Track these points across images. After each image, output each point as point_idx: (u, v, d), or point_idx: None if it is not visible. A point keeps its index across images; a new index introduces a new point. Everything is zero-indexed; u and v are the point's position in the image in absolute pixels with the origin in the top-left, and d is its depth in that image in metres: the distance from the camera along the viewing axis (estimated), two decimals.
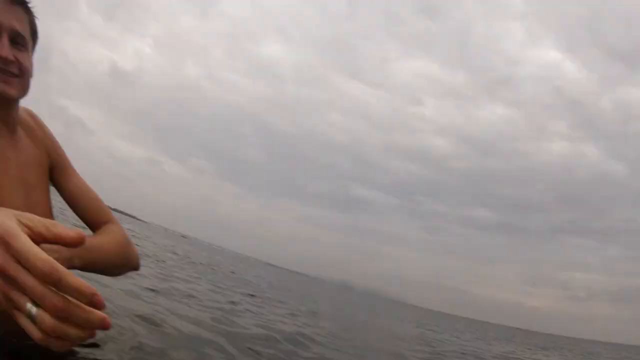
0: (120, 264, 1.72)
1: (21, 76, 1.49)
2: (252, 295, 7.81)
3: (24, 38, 1.50)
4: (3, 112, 1.53)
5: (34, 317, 0.78)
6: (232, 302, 5.91)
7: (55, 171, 1.76)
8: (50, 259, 0.78)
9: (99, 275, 1.88)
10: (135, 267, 1.81)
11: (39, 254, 0.78)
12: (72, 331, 0.77)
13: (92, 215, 1.76)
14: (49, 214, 1.68)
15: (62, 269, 0.77)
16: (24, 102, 1.65)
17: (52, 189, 1.80)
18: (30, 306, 0.78)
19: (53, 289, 0.77)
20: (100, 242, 1.58)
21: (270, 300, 8.30)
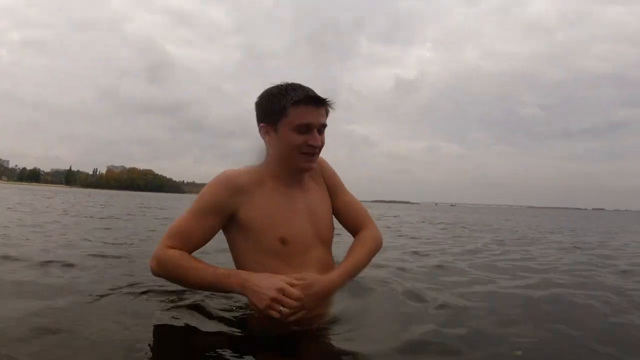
0: (369, 262, 2.15)
1: (319, 153, 2.02)
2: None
3: (325, 125, 1.97)
4: (299, 176, 2.08)
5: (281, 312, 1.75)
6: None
7: (331, 196, 2.22)
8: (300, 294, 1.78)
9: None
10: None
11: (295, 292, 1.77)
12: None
13: (350, 224, 2.24)
14: (330, 232, 2.16)
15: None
16: None
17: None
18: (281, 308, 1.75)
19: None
20: (354, 261, 2.05)
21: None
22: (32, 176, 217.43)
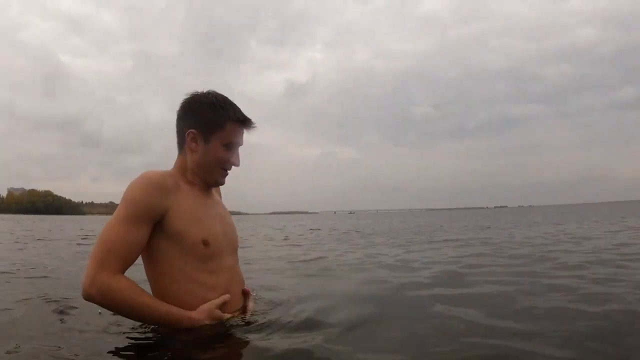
0: None
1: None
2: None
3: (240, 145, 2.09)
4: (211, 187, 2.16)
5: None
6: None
7: None
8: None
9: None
10: None
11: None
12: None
13: None
14: (237, 241, 2.22)
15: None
16: None
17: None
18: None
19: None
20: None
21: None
22: None
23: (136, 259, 1.87)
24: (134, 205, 1.83)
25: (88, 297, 1.75)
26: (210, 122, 1.99)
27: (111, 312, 1.96)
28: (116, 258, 1.77)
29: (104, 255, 1.77)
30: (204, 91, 2.04)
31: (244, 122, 2.04)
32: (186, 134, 2.01)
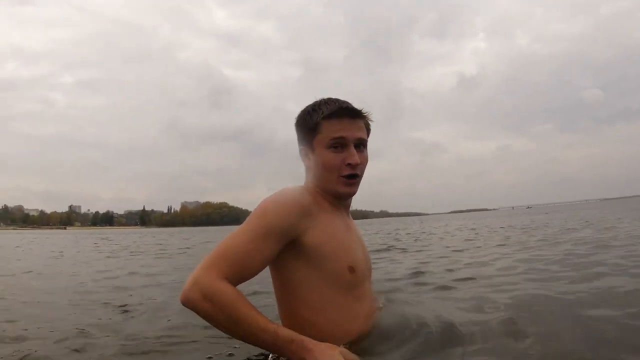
0: None
1: (361, 175, 1.89)
2: None
3: (364, 140, 1.88)
4: (346, 202, 1.98)
5: None
6: None
7: None
8: None
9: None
10: None
11: None
12: None
13: None
14: (371, 265, 2.08)
15: None
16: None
17: None
18: None
19: None
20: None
21: None
22: (106, 219, 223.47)
23: (253, 275, 1.67)
24: (264, 217, 1.69)
25: (186, 300, 1.56)
26: (307, 131, 1.87)
27: (206, 324, 1.65)
28: (228, 265, 1.61)
29: (214, 259, 1.62)
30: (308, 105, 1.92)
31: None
32: (300, 152, 1.95)
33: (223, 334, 1.64)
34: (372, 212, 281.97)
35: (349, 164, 1.81)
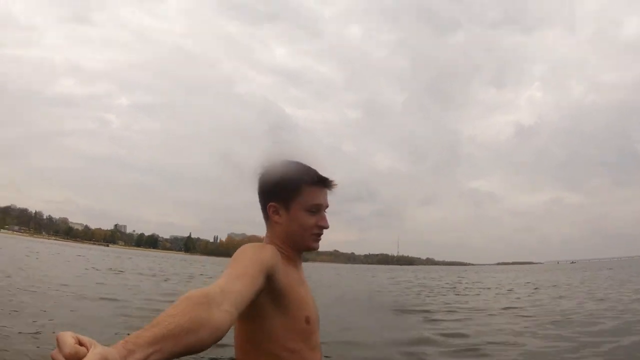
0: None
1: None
2: None
3: (328, 206, 2.07)
4: (301, 256, 2.11)
5: None
6: None
7: None
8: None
9: None
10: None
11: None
12: None
13: None
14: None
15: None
16: None
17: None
18: None
19: None
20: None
21: None
22: (150, 242, 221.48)
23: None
24: (250, 256, 1.72)
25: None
26: (286, 191, 1.99)
27: None
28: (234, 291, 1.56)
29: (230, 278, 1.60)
30: (277, 162, 2.05)
31: (321, 182, 2.02)
32: (267, 207, 2.03)
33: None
34: (419, 258, 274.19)
35: (320, 226, 2.02)
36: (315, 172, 2.02)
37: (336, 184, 2.06)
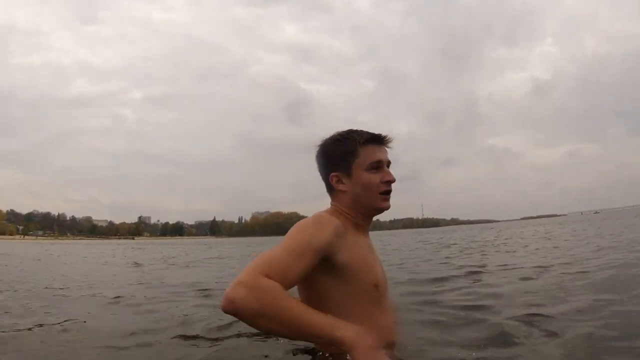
0: None
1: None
2: None
3: (390, 162, 2.12)
4: (371, 220, 2.13)
5: None
6: None
7: None
8: None
9: None
10: None
11: None
12: None
13: None
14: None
15: None
16: None
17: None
18: None
19: None
20: None
21: None
22: (176, 230, 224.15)
23: (292, 285, 1.77)
24: (304, 239, 1.81)
25: (228, 302, 1.58)
26: (343, 156, 2.05)
27: (249, 328, 1.86)
28: (269, 271, 1.67)
29: (255, 265, 1.70)
30: (328, 135, 2.14)
31: (374, 139, 2.08)
32: (330, 179, 2.10)
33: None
34: (444, 219, 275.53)
35: (387, 182, 2.05)
36: (366, 132, 2.09)
37: (391, 139, 2.11)
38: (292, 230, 1.87)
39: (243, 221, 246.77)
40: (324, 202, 2.18)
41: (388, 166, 2.10)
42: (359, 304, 1.91)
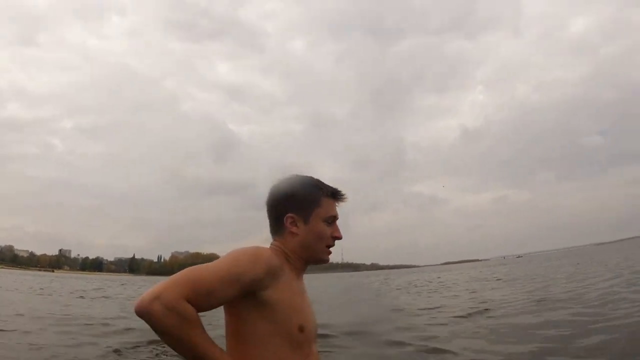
0: None
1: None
2: None
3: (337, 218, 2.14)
4: (304, 268, 2.11)
5: None
6: None
7: None
8: None
9: None
10: None
11: None
12: None
13: None
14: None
15: None
16: None
17: None
18: None
19: None
20: None
21: None
22: (95, 265, 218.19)
23: (206, 310, 1.73)
24: (235, 268, 1.79)
25: (143, 310, 1.59)
26: (307, 202, 2.06)
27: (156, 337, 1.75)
28: (191, 290, 1.67)
29: (180, 280, 1.68)
30: (290, 175, 2.14)
31: (336, 194, 2.13)
32: (285, 219, 2.06)
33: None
34: (364, 264, 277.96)
35: (335, 238, 2.10)
36: (330, 186, 2.12)
37: (347, 197, 2.16)
38: (227, 256, 1.85)
39: (162, 260, 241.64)
40: (245, 244, 2.04)
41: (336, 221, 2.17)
42: (281, 345, 1.88)
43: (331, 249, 2.13)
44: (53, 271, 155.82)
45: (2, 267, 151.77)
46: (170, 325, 1.61)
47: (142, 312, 1.60)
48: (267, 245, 2.11)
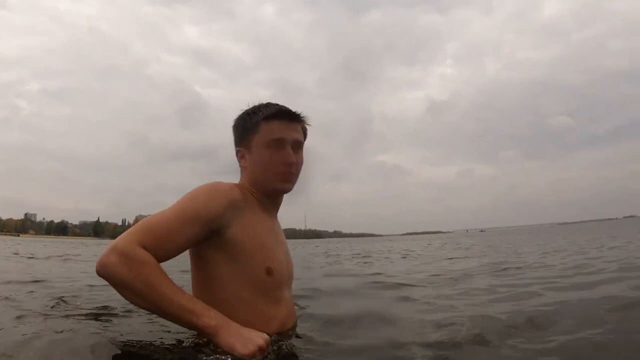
0: None
1: (297, 174, 1.94)
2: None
3: (301, 142, 1.94)
4: (277, 201, 2.01)
5: None
6: None
7: None
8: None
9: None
10: None
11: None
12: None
13: None
14: (293, 272, 2.08)
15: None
16: None
17: None
18: None
19: None
20: None
21: None
22: (60, 229, 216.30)
23: (170, 256, 1.66)
24: (194, 202, 1.71)
25: (101, 266, 1.53)
26: (245, 131, 1.93)
27: (115, 293, 1.59)
28: (150, 237, 1.59)
29: (137, 230, 1.62)
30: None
31: (279, 115, 1.89)
32: (236, 153, 1.99)
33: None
34: (326, 232, 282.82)
35: (285, 163, 1.87)
36: (274, 106, 1.91)
37: (304, 117, 1.94)
38: (185, 196, 1.75)
39: (126, 223, 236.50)
40: None
41: (298, 147, 1.94)
42: (247, 289, 1.76)
43: (288, 177, 1.92)
44: (19, 235, 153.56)
45: None
46: (125, 274, 1.51)
47: (100, 267, 1.53)
48: None
